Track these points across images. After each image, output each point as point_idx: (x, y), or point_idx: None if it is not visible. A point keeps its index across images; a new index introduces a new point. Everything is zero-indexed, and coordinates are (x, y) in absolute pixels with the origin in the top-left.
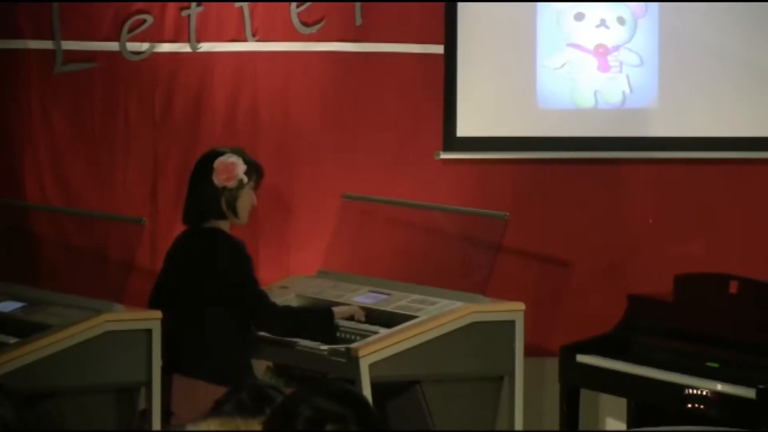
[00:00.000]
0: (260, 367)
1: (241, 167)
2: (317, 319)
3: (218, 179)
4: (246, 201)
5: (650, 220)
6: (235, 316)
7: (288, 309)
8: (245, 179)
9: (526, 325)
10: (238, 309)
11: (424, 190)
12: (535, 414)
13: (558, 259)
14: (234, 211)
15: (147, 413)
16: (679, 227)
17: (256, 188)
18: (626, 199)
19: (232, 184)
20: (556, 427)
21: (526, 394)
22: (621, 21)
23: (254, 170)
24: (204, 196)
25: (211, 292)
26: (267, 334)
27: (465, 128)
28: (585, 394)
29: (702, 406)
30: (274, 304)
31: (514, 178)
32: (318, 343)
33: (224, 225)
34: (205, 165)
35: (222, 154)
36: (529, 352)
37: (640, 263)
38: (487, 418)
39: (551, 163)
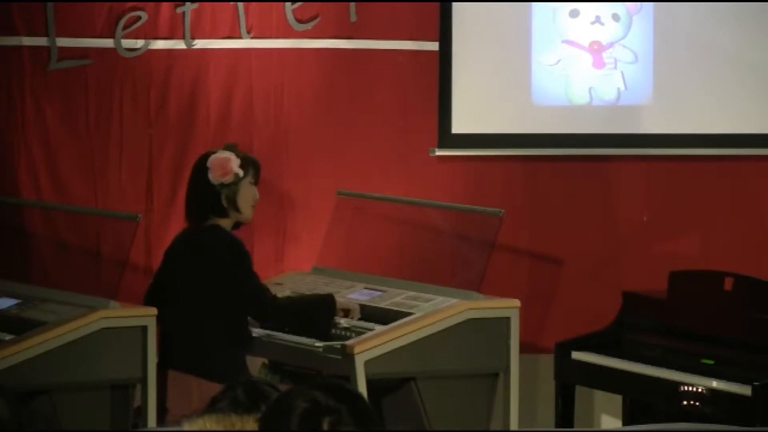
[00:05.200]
0: (255, 364)
1: (235, 162)
2: (319, 306)
3: (214, 176)
4: (246, 196)
5: (644, 218)
6: (234, 311)
7: (289, 300)
8: (241, 173)
9: (521, 322)
10: (238, 303)
11: (419, 186)
12: (530, 411)
13: (552, 255)
14: (235, 207)
15: (142, 410)
16: (674, 224)
17: (256, 183)
18: (621, 196)
19: (228, 179)
20: (551, 424)
21: (521, 391)
22: (616, 18)
23: (249, 164)
24: (203, 195)
25: (209, 288)
26: (263, 330)
27: (459, 125)
28: (580, 391)
29: (697, 403)
30: (274, 296)
31: (509, 175)
32: (313, 340)
33: (225, 223)
34: (201, 165)
35: (215, 153)
36: (523, 348)
37: (635, 260)
38: (482, 415)
39: (546, 160)
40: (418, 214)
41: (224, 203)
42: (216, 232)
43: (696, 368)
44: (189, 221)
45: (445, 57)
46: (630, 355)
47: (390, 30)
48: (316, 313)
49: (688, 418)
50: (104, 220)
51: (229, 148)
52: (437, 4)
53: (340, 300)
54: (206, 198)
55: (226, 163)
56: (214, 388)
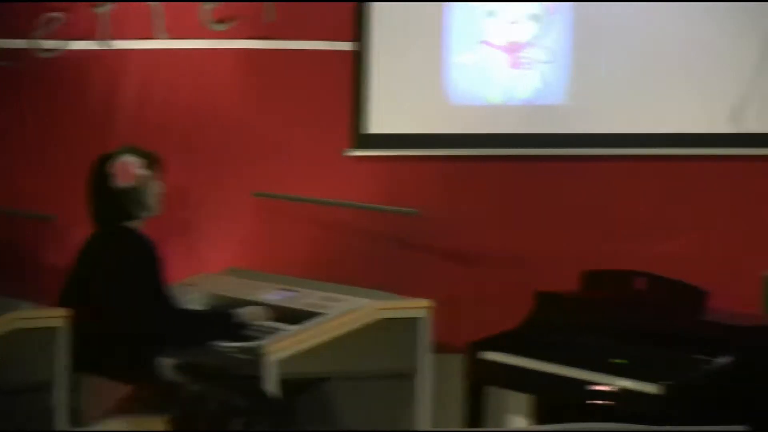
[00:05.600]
0: (167, 364)
1: (136, 163)
2: (215, 323)
3: (118, 182)
4: (153, 193)
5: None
6: (140, 315)
7: (186, 314)
8: (144, 174)
9: (441, 322)
10: (145, 307)
11: (335, 187)
12: (447, 410)
13: (471, 255)
14: (144, 206)
15: (53, 412)
16: (589, 223)
17: (158, 178)
18: (537, 196)
19: (133, 183)
20: (467, 425)
21: (439, 391)
22: (533, 18)
23: (149, 160)
24: (108, 202)
25: (117, 292)
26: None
27: (376, 125)
28: (491, 391)
29: (607, 402)
30: (172, 309)
31: (425, 175)
32: (226, 340)
33: (135, 223)
34: (101, 171)
35: (113, 156)
36: (443, 348)
37: (553, 259)
38: (396, 415)
39: (462, 160)
40: (334, 214)
41: (131, 206)
42: (125, 236)
43: (608, 367)
44: (97, 226)
45: (361, 57)
46: (541, 354)
47: (307, 30)
48: (210, 332)
49: (598, 418)
50: (20, 220)
51: (127, 150)
52: (354, 5)
53: (245, 310)
54: (112, 204)
55: (128, 168)
56: (126, 390)
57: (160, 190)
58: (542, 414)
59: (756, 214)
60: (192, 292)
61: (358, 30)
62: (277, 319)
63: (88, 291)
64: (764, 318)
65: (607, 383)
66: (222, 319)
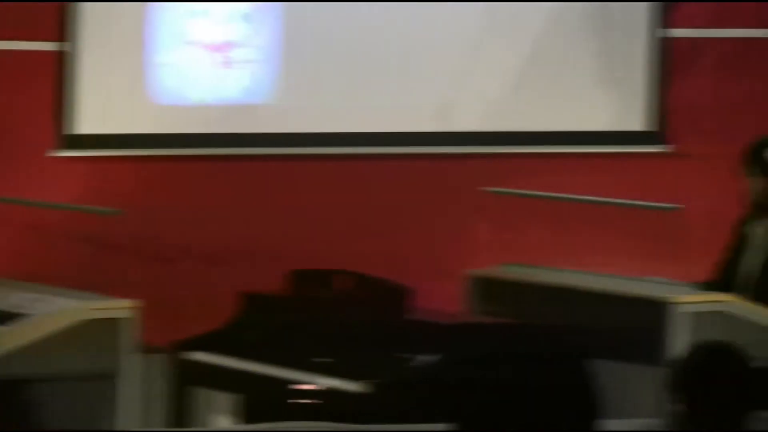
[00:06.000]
0: None
1: None
2: None
3: None
4: None
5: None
6: None
7: None
8: None
9: (147, 323)
10: None
11: (39, 188)
12: (154, 411)
13: (177, 255)
14: None
15: None
16: (297, 222)
17: None
18: (243, 195)
19: None
20: (172, 425)
21: (146, 392)
22: (242, 18)
23: None
24: None
25: None
26: None
27: (82, 126)
28: (199, 391)
29: (312, 401)
30: None
31: (132, 175)
32: None
33: None
34: None
35: None
36: (151, 349)
37: (259, 258)
38: (103, 417)
39: (169, 159)
40: (38, 215)
41: None
42: None
43: (313, 367)
44: None
45: (67, 57)
46: (246, 354)
47: (11, 30)
48: None
49: (304, 417)
50: None
51: None
52: (60, 5)
53: None
54: None
55: None
56: None
57: None
58: (249, 413)
59: (460, 213)
60: None
61: (65, 30)
62: None
63: None
64: (468, 317)
65: (312, 382)
66: None
